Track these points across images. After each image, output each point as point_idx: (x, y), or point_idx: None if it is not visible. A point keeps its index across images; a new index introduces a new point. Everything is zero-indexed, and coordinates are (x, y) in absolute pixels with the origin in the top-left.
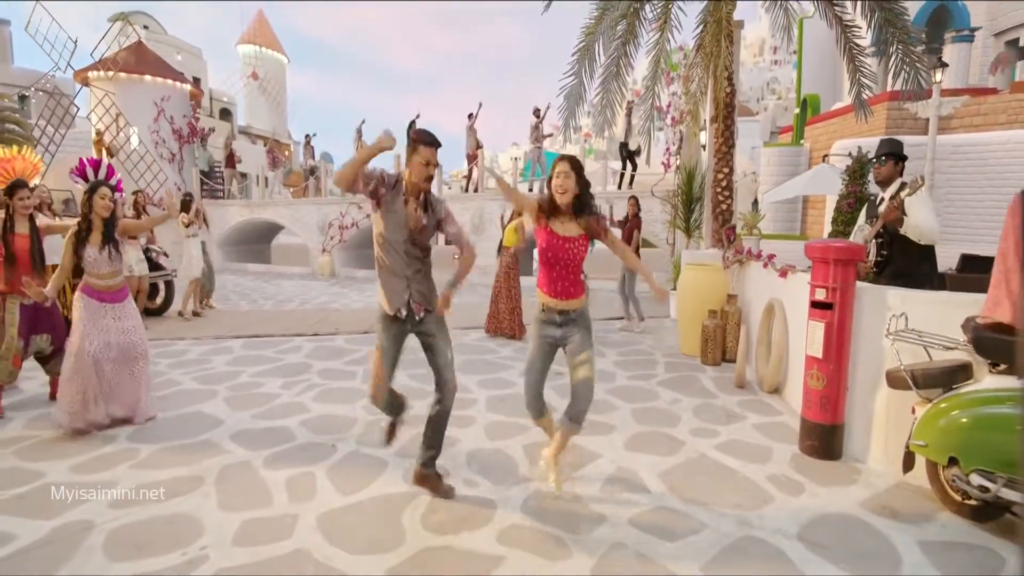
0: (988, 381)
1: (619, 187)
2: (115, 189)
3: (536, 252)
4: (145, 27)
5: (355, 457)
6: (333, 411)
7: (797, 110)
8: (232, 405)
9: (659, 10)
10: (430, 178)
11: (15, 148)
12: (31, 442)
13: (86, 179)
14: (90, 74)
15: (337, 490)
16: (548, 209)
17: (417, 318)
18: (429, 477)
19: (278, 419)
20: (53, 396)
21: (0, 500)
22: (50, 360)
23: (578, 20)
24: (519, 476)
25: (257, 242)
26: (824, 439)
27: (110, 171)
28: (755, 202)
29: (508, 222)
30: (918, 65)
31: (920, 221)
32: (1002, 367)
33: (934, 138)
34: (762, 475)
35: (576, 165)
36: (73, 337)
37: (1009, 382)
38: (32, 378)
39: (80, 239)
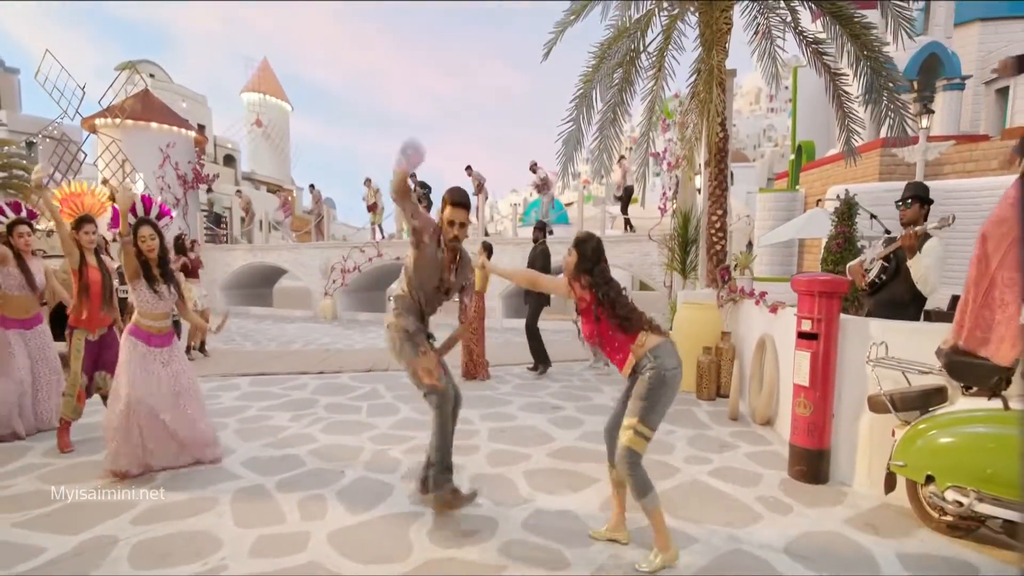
0: (961, 403)
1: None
2: (159, 220)
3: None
4: (151, 75)
5: (363, 482)
6: (340, 441)
7: (792, 156)
8: (242, 436)
9: (654, 59)
10: (454, 238)
11: (84, 184)
12: (51, 468)
13: (118, 226)
14: (97, 121)
15: (347, 510)
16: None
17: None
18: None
19: (287, 448)
20: None
21: (27, 518)
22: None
23: (576, 68)
24: (520, 497)
25: (260, 286)
26: (811, 464)
27: (147, 202)
28: (749, 244)
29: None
30: (903, 112)
31: (929, 265)
32: (974, 390)
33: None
34: (752, 497)
35: (576, 243)
36: (120, 381)
37: (980, 403)
38: None
39: (149, 280)
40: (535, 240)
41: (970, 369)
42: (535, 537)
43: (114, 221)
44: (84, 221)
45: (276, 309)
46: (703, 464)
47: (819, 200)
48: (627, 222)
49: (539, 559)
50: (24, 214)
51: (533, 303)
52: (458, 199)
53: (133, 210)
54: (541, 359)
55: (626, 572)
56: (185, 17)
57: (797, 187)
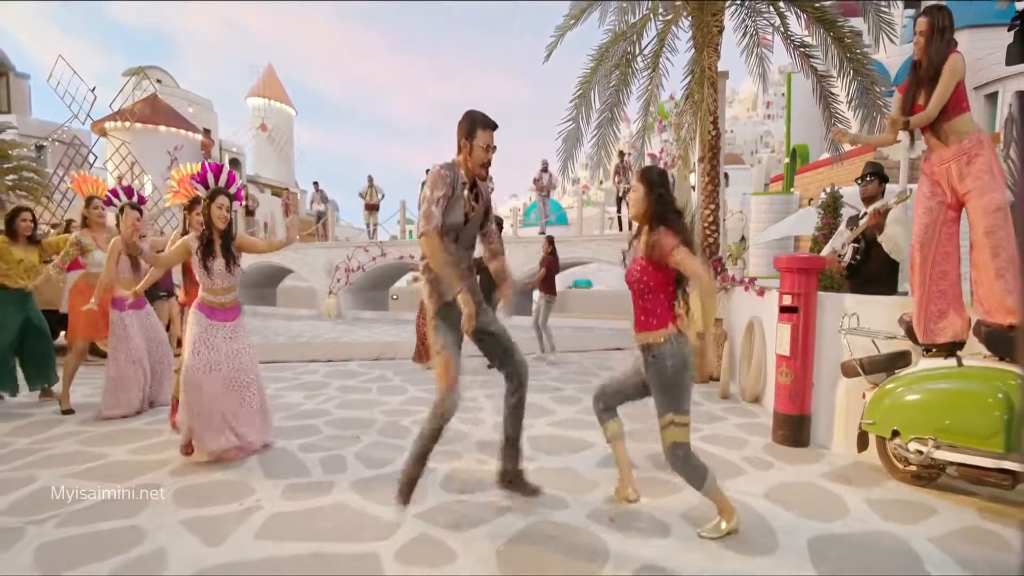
0: (922, 364)
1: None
2: (234, 198)
3: None
4: (159, 81)
5: (378, 445)
6: (354, 414)
7: (787, 160)
8: None
9: (649, 61)
10: (488, 163)
11: (198, 167)
12: (89, 435)
13: (206, 185)
14: (107, 124)
15: (365, 466)
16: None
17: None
18: (518, 475)
19: (305, 419)
20: None
21: (73, 471)
22: None
23: (573, 77)
24: (524, 457)
25: (264, 286)
26: (793, 428)
27: (231, 178)
28: (742, 238)
29: None
30: (884, 110)
31: (896, 234)
32: (933, 351)
33: (905, 180)
34: (737, 457)
35: (646, 177)
36: (184, 355)
37: (938, 363)
38: (86, 382)
39: (206, 251)
40: None
41: None
42: (539, 485)
43: (200, 177)
44: (197, 202)
45: (280, 308)
46: (693, 432)
47: (811, 200)
48: (620, 220)
49: (541, 502)
50: (136, 199)
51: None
52: (490, 122)
53: (204, 181)
54: None
55: (621, 518)
56: (186, 24)
57: (792, 190)
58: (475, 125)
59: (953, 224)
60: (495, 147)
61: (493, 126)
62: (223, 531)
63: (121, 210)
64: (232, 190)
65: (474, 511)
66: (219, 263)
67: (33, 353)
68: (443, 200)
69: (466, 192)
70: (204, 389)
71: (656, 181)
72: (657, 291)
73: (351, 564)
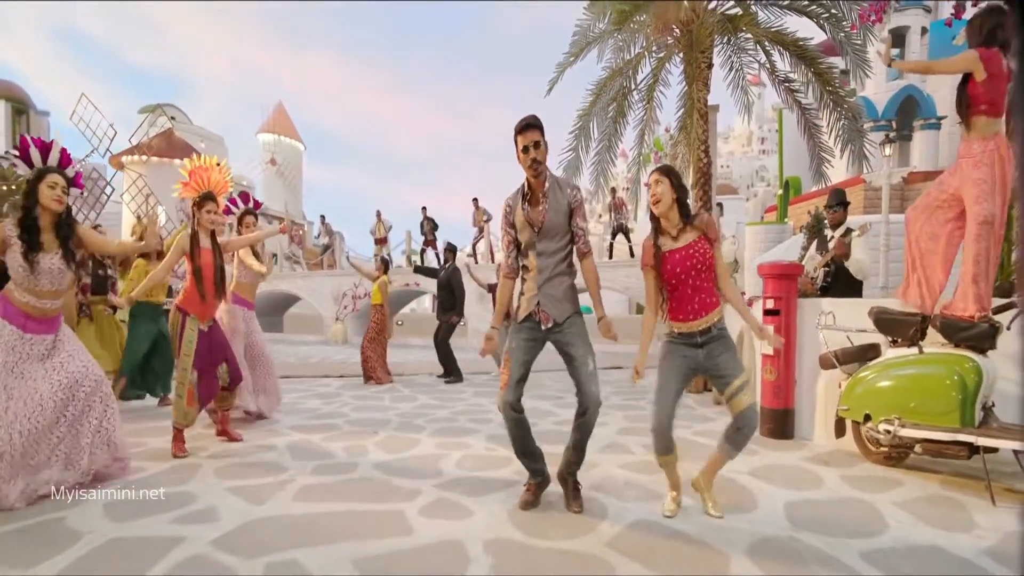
0: (889, 353)
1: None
2: (72, 182)
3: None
4: (173, 117)
5: (395, 437)
6: (370, 416)
7: (780, 191)
8: (283, 412)
9: (644, 94)
10: (536, 162)
11: (214, 159)
12: (126, 429)
13: (29, 163)
14: (124, 158)
15: (385, 452)
16: (654, 234)
17: (543, 328)
18: (567, 482)
19: (324, 419)
20: (220, 434)
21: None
22: (227, 393)
23: (572, 106)
24: None
25: (271, 313)
26: (778, 422)
27: (64, 158)
28: (735, 261)
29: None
30: (862, 137)
31: (861, 258)
32: (899, 341)
33: (887, 208)
34: None
35: (667, 171)
36: None
37: (903, 351)
38: None
39: (31, 241)
40: (445, 261)
41: (893, 323)
42: None
43: (21, 155)
44: (207, 199)
45: (288, 334)
46: (687, 429)
47: (802, 227)
48: (630, 249)
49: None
50: (252, 204)
51: (447, 326)
52: (521, 126)
53: (27, 157)
54: (454, 371)
55: (615, 492)
56: (198, 65)
57: (785, 220)
58: (515, 134)
59: (948, 211)
60: (537, 144)
61: (526, 126)
62: (264, 495)
63: (239, 219)
64: (70, 172)
65: (487, 484)
66: (51, 259)
67: (159, 362)
68: (507, 240)
69: (527, 206)
70: (8, 430)
71: (678, 176)
72: (710, 270)
73: (381, 518)
